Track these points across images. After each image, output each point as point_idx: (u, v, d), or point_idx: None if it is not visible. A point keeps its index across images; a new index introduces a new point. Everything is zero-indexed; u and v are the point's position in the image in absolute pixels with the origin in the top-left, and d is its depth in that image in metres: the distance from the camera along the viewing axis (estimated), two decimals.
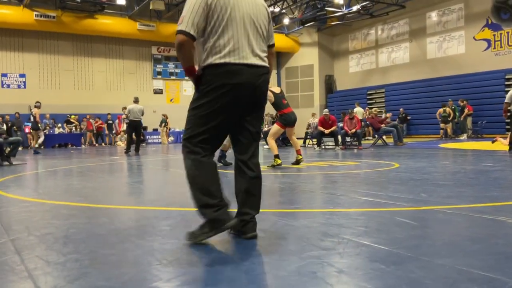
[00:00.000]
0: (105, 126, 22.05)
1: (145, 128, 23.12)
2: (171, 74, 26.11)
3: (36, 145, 15.65)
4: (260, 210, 2.73)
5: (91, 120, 21.58)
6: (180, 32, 2.40)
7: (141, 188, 5.66)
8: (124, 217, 3.47)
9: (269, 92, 7.33)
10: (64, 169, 8.28)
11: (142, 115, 13.53)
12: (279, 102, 7.48)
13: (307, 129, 16.40)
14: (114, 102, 22.84)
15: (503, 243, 2.37)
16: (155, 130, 23.70)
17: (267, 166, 7.47)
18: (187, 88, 26.70)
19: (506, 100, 9.45)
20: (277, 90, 7.70)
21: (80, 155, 13.75)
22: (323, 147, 13.51)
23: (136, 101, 13.65)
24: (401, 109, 21.72)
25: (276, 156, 7.40)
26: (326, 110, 14.16)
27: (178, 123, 23.83)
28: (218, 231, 2.47)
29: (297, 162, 7.73)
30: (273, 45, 2.70)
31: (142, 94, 24.77)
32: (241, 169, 2.64)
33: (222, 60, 2.41)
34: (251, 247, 2.43)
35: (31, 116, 15.39)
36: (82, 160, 10.81)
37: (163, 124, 22.70)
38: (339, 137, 13.25)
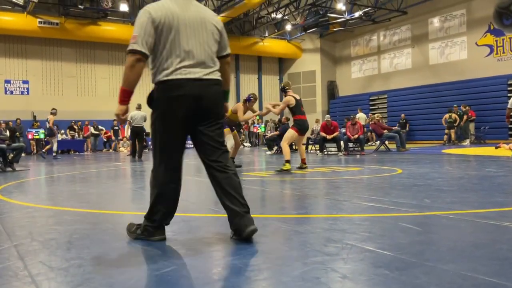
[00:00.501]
0: (111, 132, 22.08)
1: (147, 134, 23.15)
2: None
3: (43, 150, 15.77)
4: (263, 216, 2.72)
5: (88, 126, 21.59)
6: (134, 51, 2.53)
7: (144, 194, 5.66)
8: (127, 223, 3.47)
9: (290, 97, 7.69)
10: (67, 175, 8.29)
11: (145, 121, 13.66)
12: (297, 108, 7.69)
13: (311, 134, 16.41)
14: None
15: (507, 248, 2.36)
16: None
17: (276, 170, 7.51)
18: None
19: (509, 106, 9.39)
20: (297, 96, 7.88)
21: (83, 161, 13.77)
22: (325, 152, 13.50)
23: (139, 107, 13.78)
24: (402, 115, 21.70)
25: (287, 161, 7.43)
26: (328, 116, 14.17)
27: None
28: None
29: (301, 168, 7.76)
30: (227, 55, 2.84)
31: (145, 100, 24.84)
32: (212, 173, 2.75)
33: (170, 77, 2.55)
34: (254, 252, 2.43)
35: (46, 122, 15.42)
36: (85, 166, 10.83)
37: None
38: (342, 142, 13.24)
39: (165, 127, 2.64)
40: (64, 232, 3.11)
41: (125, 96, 2.65)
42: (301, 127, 7.65)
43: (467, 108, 18.26)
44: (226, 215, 2.70)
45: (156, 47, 2.58)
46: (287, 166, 7.35)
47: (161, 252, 2.51)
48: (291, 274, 2.03)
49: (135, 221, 2.95)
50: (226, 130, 8.07)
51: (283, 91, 7.89)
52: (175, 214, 2.83)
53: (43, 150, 15.73)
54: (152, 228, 2.75)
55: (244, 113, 8.55)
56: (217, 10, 22.72)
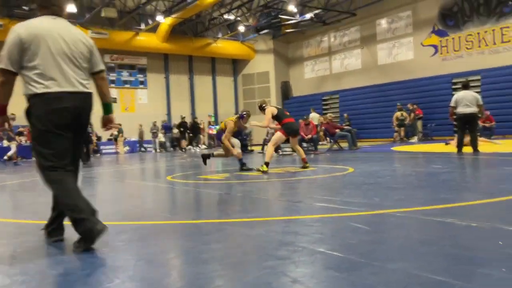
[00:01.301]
0: None
1: (99, 139, 22.54)
2: (125, 82, 25.62)
3: (5, 157, 15.22)
4: (218, 221, 2.71)
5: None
6: (1, 70, 2.74)
7: (94, 201, 5.49)
8: (76, 234, 3.35)
9: (270, 108, 7.96)
10: (13, 184, 7.92)
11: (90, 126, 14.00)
12: (281, 115, 7.91)
13: (266, 135, 16.50)
14: None
15: (450, 244, 2.46)
16: (110, 140, 23.13)
17: (256, 170, 7.66)
18: (142, 97, 26.26)
19: (451, 104, 9.84)
20: (275, 109, 8.05)
21: (30, 168, 13.21)
22: (280, 153, 13.62)
23: None
24: (345, 114, 22.22)
25: (266, 164, 7.53)
26: None
27: (136, 132, 23.48)
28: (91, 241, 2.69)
29: (304, 167, 7.87)
30: (101, 71, 3.09)
31: (96, 104, 24.13)
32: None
33: (40, 91, 2.75)
34: (208, 259, 2.41)
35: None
36: (33, 174, 10.39)
37: (120, 134, 22.25)
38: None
39: (46, 137, 2.86)
40: (8, 245, 2.97)
41: (1, 109, 2.89)
42: (289, 129, 7.82)
43: (414, 106, 18.97)
44: (179, 222, 2.67)
45: (25, 63, 2.76)
46: (264, 168, 7.44)
47: (110, 264, 2.44)
48: (243, 280, 2.03)
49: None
50: (224, 137, 8.32)
51: (261, 109, 8.17)
52: (128, 223, 2.76)
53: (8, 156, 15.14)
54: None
55: (239, 129, 8.75)
56: (169, 11, 22.44)
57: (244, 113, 8.52)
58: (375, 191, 4.67)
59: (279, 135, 7.89)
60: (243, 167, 8.27)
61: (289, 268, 2.17)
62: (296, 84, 28.45)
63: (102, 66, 3.11)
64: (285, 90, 28.46)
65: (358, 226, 3.03)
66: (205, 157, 8.81)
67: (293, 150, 13.12)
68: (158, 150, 22.86)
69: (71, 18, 22.42)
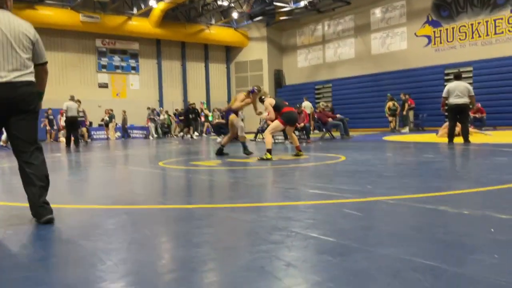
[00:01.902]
0: (45, 121, 21.00)
1: (90, 124, 22.37)
2: (117, 67, 25.39)
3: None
4: (210, 206, 2.70)
5: None
6: None
7: (85, 185, 5.47)
8: (66, 217, 3.33)
9: (269, 99, 8.02)
10: (1, 168, 7.85)
11: (78, 112, 14.97)
12: (279, 105, 7.93)
13: (259, 123, 16.49)
14: (55, 96, 21.95)
15: (443, 231, 2.48)
16: (101, 125, 22.98)
17: (258, 159, 7.51)
18: (134, 82, 26.05)
19: (443, 95, 9.88)
20: (273, 99, 8.11)
21: None
22: (273, 141, 13.60)
23: (72, 98, 14.67)
24: (329, 104, 22.15)
25: (269, 151, 7.44)
26: None
27: (132, 118, 23.38)
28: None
29: (297, 155, 7.87)
30: (44, 63, 3.21)
31: (86, 88, 23.93)
32: (23, 169, 3.05)
33: None
34: (200, 243, 2.40)
35: None
36: None
37: (113, 120, 22.11)
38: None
39: None
40: None
41: None
42: (288, 118, 7.81)
43: (407, 96, 19.03)
44: (171, 206, 2.66)
45: None
46: (268, 156, 7.37)
47: (102, 246, 2.42)
48: (236, 264, 2.03)
49: (75, 217, 2.83)
50: (232, 116, 8.52)
51: (261, 101, 8.18)
52: (120, 207, 2.74)
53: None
54: None
55: (247, 104, 8.74)
56: None
57: (255, 87, 8.52)
58: (367, 179, 4.69)
59: (276, 124, 7.84)
60: (245, 150, 8.36)
61: (283, 252, 2.17)
62: (289, 72, 28.37)
63: (45, 59, 3.23)
64: (278, 78, 28.39)
65: (350, 212, 3.03)
66: (220, 152, 8.68)
67: (286, 138, 13.16)
68: (155, 136, 22.58)
69: (62, 1, 22.14)
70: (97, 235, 2.69)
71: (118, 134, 22.98)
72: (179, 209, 3.46)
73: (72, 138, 14.37)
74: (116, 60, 25.30)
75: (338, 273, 1.86)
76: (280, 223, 2.81)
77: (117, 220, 3.09)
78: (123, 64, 25.54)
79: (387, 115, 19.08)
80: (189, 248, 2.32)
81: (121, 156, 10.53)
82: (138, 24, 24.23)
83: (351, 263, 1.97)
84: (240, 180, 5.22)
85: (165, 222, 3.12)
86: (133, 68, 25.95)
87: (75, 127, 14.75)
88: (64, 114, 14.81)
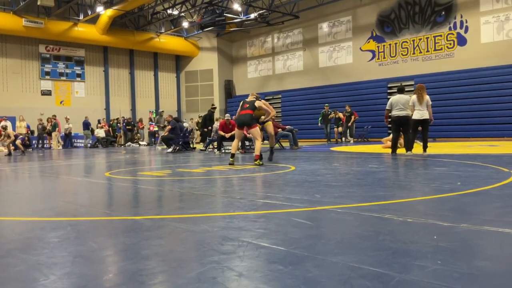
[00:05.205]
0: None
1: (32, 133, 21.39)
2: (61, 74, 24.49)
3: None
4: (159, 217, 2.65)
5: None
6: None
7: (26, 197, 5.20)
8: (5, 230, 3.15)
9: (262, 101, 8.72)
10: None
11: None
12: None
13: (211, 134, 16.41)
14: None
15: (389, 239, 2.56)
16: (43, 134, 22.00)
17: (255, 164, 8.01)
18: (80, 90, 25.22)
19: (386, 107, 10.30)
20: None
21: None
22: (223, 151, 13.59)
23: None
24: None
25: (260, 157, 8.08)
26: (228, 114, 14.32)
27: (76, 126, 22.54)
28: None
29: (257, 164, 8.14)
30: None
31: (28, 95, 22.93)
32: None
33: None
34: (149, 256, 2.34)
35: None
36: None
37: (56, 129, 21.25)
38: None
39: None
40: None
41: None
42: (236, 122, 8.55)
43: (351, 109, 19.64)
44: (119, 218, 2.57)
45: None
46: (259, 161, 8.05)
47: (45, 260, 2.31)
48: (187, 275, 1.99)
49: (15, 229, 2.68)
50: (268, 124, 9.34)
51: (258, 99, 8.65)
52: (64, 218, 2.63)
53: None
54: None
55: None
56: (110, 2, 21.70)
57: (258, 95, 8.94)
58: (316, 188, 4.77)
59: (258, 129, 8.49)
60: (271, 155, 9.03)
61: (234, 263, 2.16)
62: (239, 83, 28.52)
63: None
64: (228, 88, 28.46)
65: (300, 221, 3.07)
66: (271, 157, 9.07)
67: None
68: (101, 145, 22.32)
69: (4, 5, 21.16)
70: (39, 248, 2.55)
71: (62, 143, 22.10)
72: (127, 221, 3.36)
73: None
74: (61, 66, 24.42)
75: (289, 282, 1.87)
76: (231, 233, 2.79)
77: (61, 232, 2.96)
78: (68, 71, 24.68)
79: (319, 124, 19.69)
80: (138, 261, 2.25)
81: (66, 166, 10.11)
82: (85, 31, 23.55)
83: (302, 271, 1.99)
84: (189, 191, 5.16)
85: (112, 234, 3.02)
86: (79, 76, 25.14)
87: None
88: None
